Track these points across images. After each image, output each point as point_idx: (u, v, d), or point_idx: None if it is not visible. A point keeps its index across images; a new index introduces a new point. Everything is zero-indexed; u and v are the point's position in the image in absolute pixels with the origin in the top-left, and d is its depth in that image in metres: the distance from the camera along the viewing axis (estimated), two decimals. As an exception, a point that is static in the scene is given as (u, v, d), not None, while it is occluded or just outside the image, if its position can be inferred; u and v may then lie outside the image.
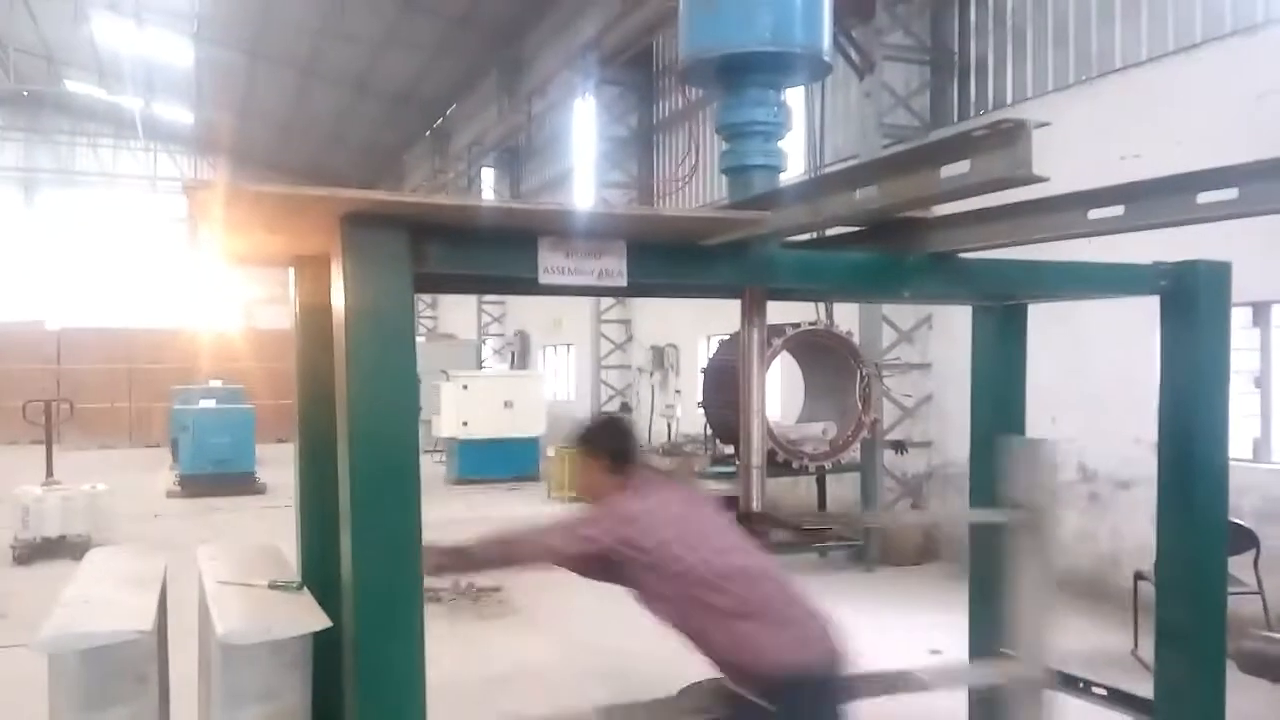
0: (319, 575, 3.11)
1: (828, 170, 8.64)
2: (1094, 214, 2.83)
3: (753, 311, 3.70)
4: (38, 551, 9.52)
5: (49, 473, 10.57)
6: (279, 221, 2.83)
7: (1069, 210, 2.87)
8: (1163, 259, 3.67)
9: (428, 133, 27.11)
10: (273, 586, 2.88)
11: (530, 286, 2.89)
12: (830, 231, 3.67)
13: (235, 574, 3.00)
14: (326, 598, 2.83)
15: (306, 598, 2.85)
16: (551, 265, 2.79)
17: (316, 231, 2.67)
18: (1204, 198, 2.60)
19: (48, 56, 25.11)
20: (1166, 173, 2.67)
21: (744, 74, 3.47)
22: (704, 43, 3.48)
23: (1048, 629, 3.76)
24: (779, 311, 3.96)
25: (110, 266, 31.86)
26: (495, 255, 2.77)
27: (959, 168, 2.09)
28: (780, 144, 3.58)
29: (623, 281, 2.87)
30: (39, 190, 32.00)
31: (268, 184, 2.40)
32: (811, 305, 8.96)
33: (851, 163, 6.04)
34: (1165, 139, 7.30)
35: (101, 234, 32.00)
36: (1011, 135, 1.96)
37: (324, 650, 2.73)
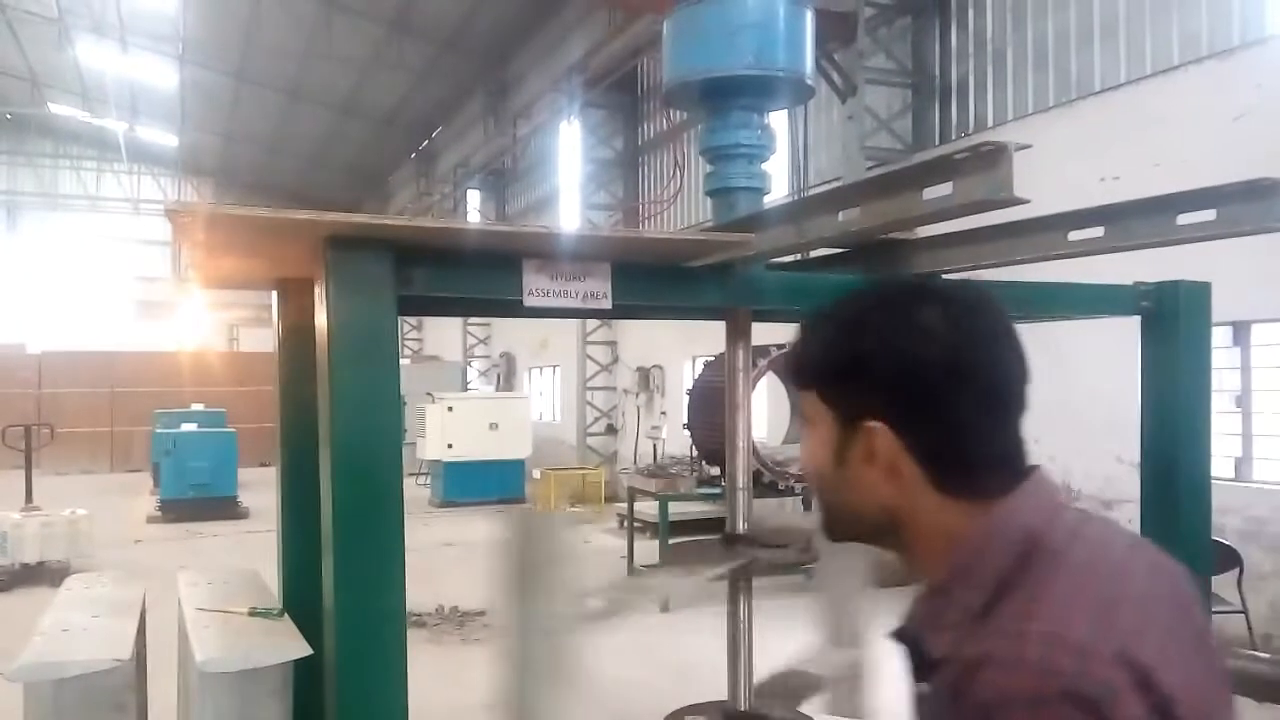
0: (300, 601, 3.07)
1: (811, 192, 8.69)
2: (1074, 235, 2.85)
3: (738, 333, 3.70)
4: (16, 578, 9.40)
5: (28, 498, 10.45)
6: (262, 244, 2.82)
7: (1050, 231, 2.89)
8: (1143, 279, 3.70)
9: (413, 155, 27.16)
10: (253, 613, 2.85)
11: (515, 309, 2.88)
12: (815, 253, 3.69)
13: (215, 600, 2.97)
14: (308, 624, 2.79)
15: (287, 624, 2.81)
16: (536, 288, 2.78)
17: (300, 254, 2.66)
18: (1183, 219, 2.63)
19: (31, 79, 25.04)
20: (1145, 194, 2.70)
21: (727, 97, 3.48)
22: (688, 66, 3.49)
23: None
24: (764, 332, 3.96)
25: (92, 290, 31.70)
26: (480, 278, 2.77)
27: (941, 190, 2.10)
28: (764, 166, 3.60)
29: (608, 304, 2.87)
30: (22, 213, 31.83)
31: (252, 206, 2.40)
32: (796, 326, 8.98)
33: (835, 185, 6.08)
34: (1144, 161, 7.39)
35: (84, 257, 31.84)
36: (992, 158, 1.97)
37: (305, 677, 2.69)
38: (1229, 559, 5.84)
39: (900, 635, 1.19)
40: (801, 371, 1.29)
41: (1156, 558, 1.18)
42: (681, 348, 14.45)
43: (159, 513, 14.22)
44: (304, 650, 2.56)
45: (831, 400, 1.23)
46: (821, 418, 1.25)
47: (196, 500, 14.15)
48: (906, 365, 1.15)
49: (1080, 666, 0.96)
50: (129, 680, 2.54)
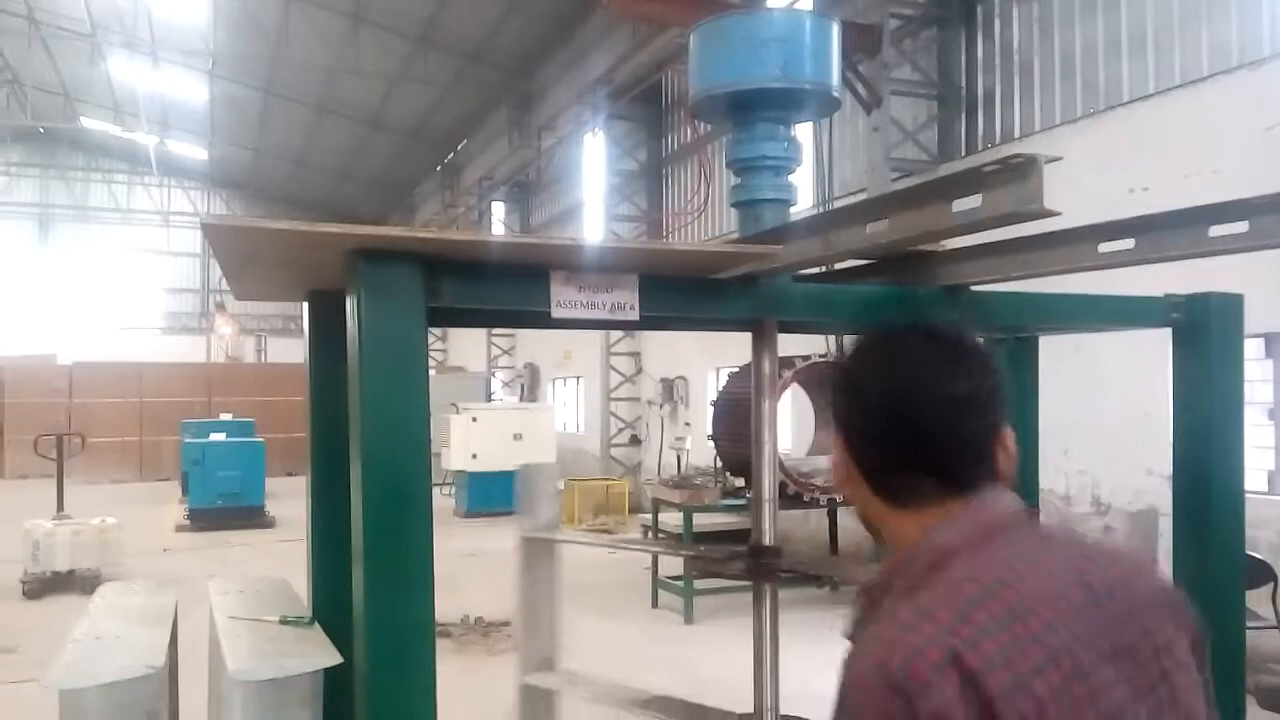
0: (330, 610, 3.09)
1: (837, 204, 8.68)
2: (1104, 247, 2.83)
3: (764, 344, 3.70)
4: (48, 586, 9.53)
5: (59, 507, 10.59)
6: (293, 256, 2.85)
7: (1079, 243, 2.87)
8: (1172, 291, 3.67)
9: (439, 167, 27.37)
10: (284, 622, 2.87)
11: (543, 321, 2.90)
12: (839, 265, 3.68)
13: (246, 609, 3.00)
14: (337, 632, 2.81)
15: (318, 633, 2.83)
16: (564, 299, 2.79)
17: (330, 266, 2.69)
18: (1215, 230, 2.60)
19: (64, 94, 25.49)
20: (1175, 206, 2.68)
21: (754, 109, 3.49)
22: (714, 79, 3.51)
23: None
24: (789, 344, 3.96)
25: (122, 301, 32.13)
26: (508, 289, 2.78)
27: (970, 202, 2.09)
28: (790, 178, 3.61)
29: (635, 315, 2.88)
30: (54, 226, 32.35)
31: (281, 218, 2.43)
32: (821, 338, 8.96)
33: (860, 196, 6.06)
34: (1173, 172, 7.33)
35: (115, 269, 32.29)
36: (1022, 170, 1.96)
37: (334, 685, 2.71)
38: (1262, 573, 5.76)
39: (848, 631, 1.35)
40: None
41: (1097, 577, 1.27)
42: (705, 359, 14.44)
43: (188, 521, 14.36)
44: (335, 659, 2.58)
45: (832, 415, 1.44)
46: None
47: (225, 509, 14.28)
48: (850, 393, 1.40)
49: (906, 665, 1.13)
50: (162, 688, 2.57)
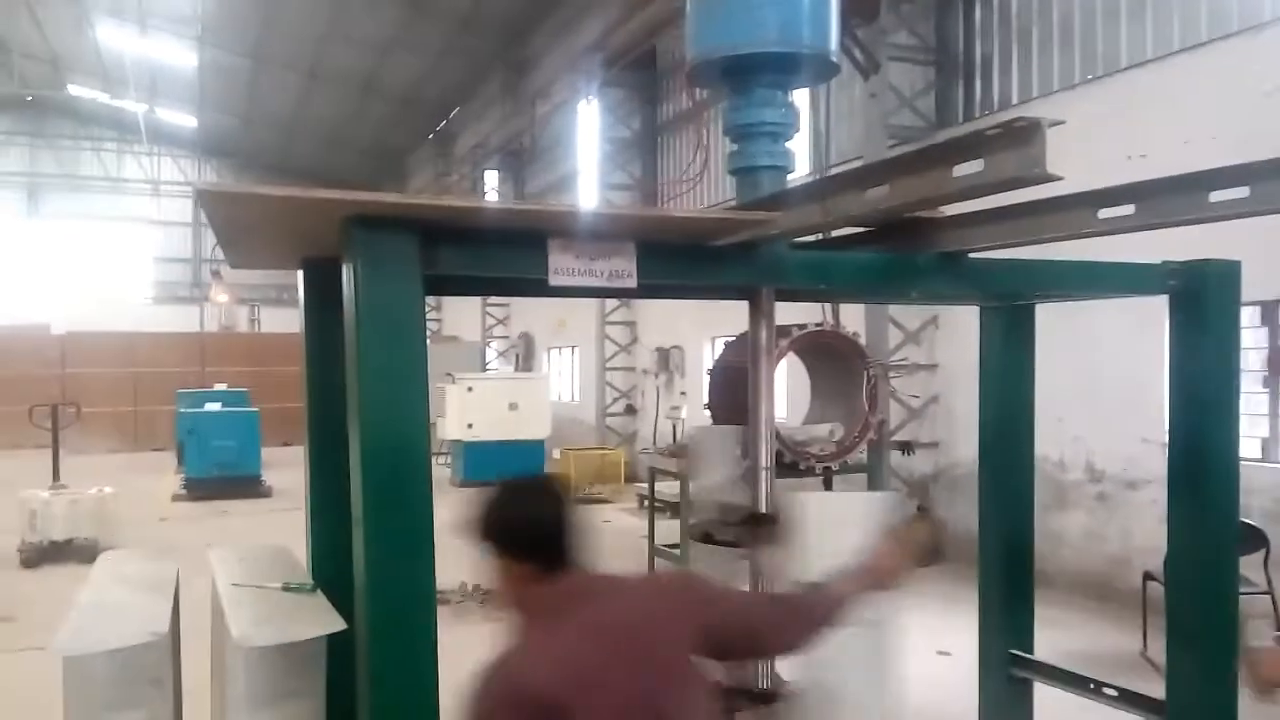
0: (329, 577, 3.11)
1: (833, 171, 8.64)
2: (1104, 213, 2.82)
3: (761, 313, 3.69)
4: (45, 555, 9.55)
5: (55, 476, 10.59)
6: (287, 224, 2.84)
7: (1079, 209, 2.86)
8: (1168, 258, 3.67)
9: (431, 135, 27.16)
10: (286, 589, 2.89)
11: (540, 288, 2.89)
12: (836, 233, 3.67)
13: (248, 576, 3.01)
14: (338, 599, 2.83)
15: (320, 599, 2.85)
16: (561, 267, 2.78)
17: (325, 234, 2.67)
18: (1216, 196, 2.60)
19: (52, 61, 25.16)
20: (1173, 171, 2.67)
21: (751, 75, 3.46)
22: (710, 44, 3.47)
23: None
24: (783, 313, 3.95)
25: (114, 270, 31.96)
26: (505, 257, 2.77)
27: (972, 167, 2.08)
28: (788, 145, 3.58)
29: (633, 283, 2.87)
30: (43, 195, 32.08)
31: (274, 186, 2.41)
32: (817, 306, 8.95)
33: (857, 164, 6.03)
34: (1172, 138, 7.30)
35: (105, 238, 32.08)
36: (1025, 134, 1.95)
37: (336, 652, 2.73)
38: (1255, 540, 5.81)
39: None
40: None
41: (622, 608, 2.13)
42: (701, 328, 14.43)
43: (184, 491, 14.39)
44: (338, 624, 2.60)
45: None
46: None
47: (221, 479, 14.30)
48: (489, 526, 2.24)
49: (491, 692, 2.00)
50: (166, 655, 2.58)
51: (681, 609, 2.20)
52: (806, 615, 2.42)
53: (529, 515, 2.19)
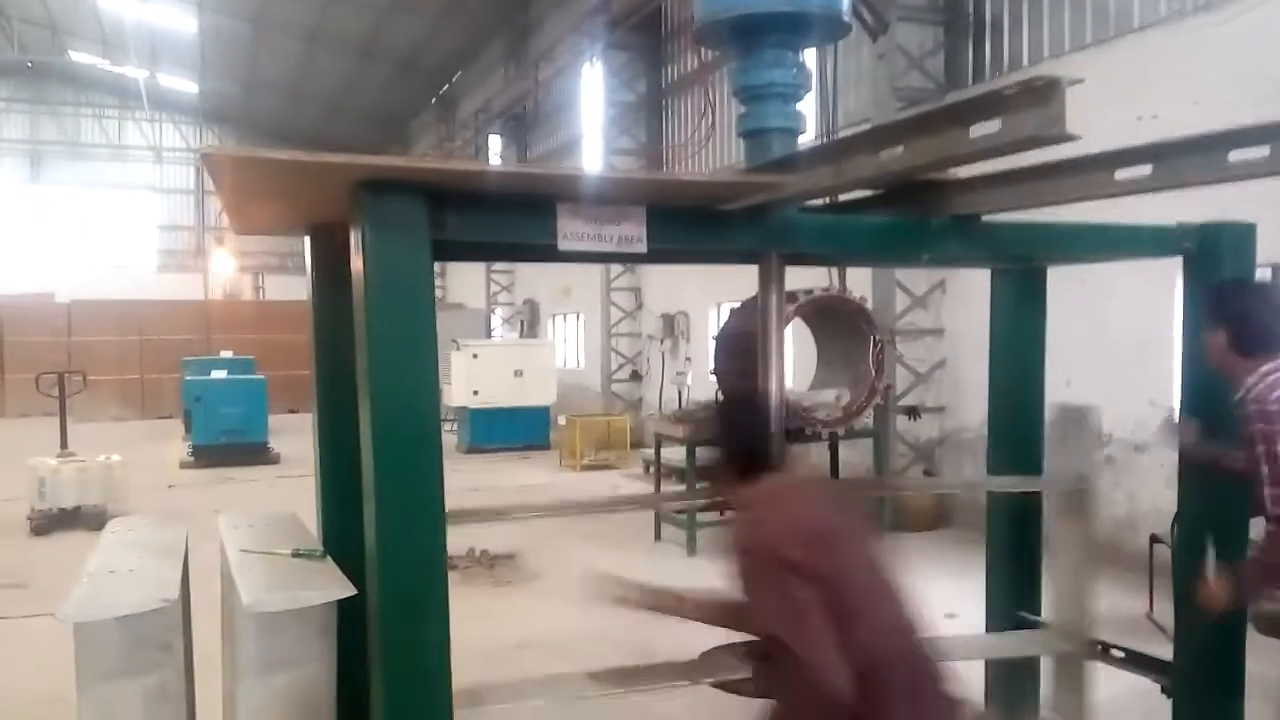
0: (339, 544, 3.11)
1: (842, 134, 8.54)
2: (1121, 174, 2.78)
3: (771, 277, 3.66)
4: (54, 522, 9.60)
5: (63, 444, 10.62)
6: (294, 189, 2.81)
7: (1096, 171, 2.82)
8: (1168, 219, 3.62)
9: (434, 100, 26.93)
10: (296, 555, 2.89)
11: (548, 254, 2.86)
12: (846, 197, 3.63)
13: (258, 543, 3.01)
14: (347, 565, 2.83)
15: (330, 566, 2.85)
16: (570, 231, 2.76)
17: (332, 199, 2.64)
18: (1235, 156, 2.56)
19: (51, 27, 24.95)
20: (1184, 133, 2.62)
21: (761, 35, 3.41)
22: (720, 3, 3.42)
23: (1089, 599, 3.74)
24: (791, 277, 3.93)
25: (117, 238, 31.89)
26: (513, 222, 2.75)
27: (989, 126, 2.04)
28: (798, 106, 3.53)
29: (643, 248, 2.84)
30: (45, 162, 31.93)
31: (279, 150, 2.38)
32: (823, 271, 8.90)
33: (865, 126, 5.96)
34: (1183, 99, 7.20)
35: (108, 205, 31.98)
36: (1044, 93, 1.92)
37: (346, 617, 2.73)
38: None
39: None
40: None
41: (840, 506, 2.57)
42: (706, 294, 14.37)
43: (191, 458, 14.43)
44: (348, 590, 2.60)
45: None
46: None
47: (228, 446, 14.33)
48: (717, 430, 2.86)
49: (760, 534, 2.35)
50: (176, 620, 2.59)
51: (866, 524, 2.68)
52: None
53: (745, 422, 2.64)
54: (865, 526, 2.57)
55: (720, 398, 2.81)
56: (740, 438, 2.59)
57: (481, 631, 6.26)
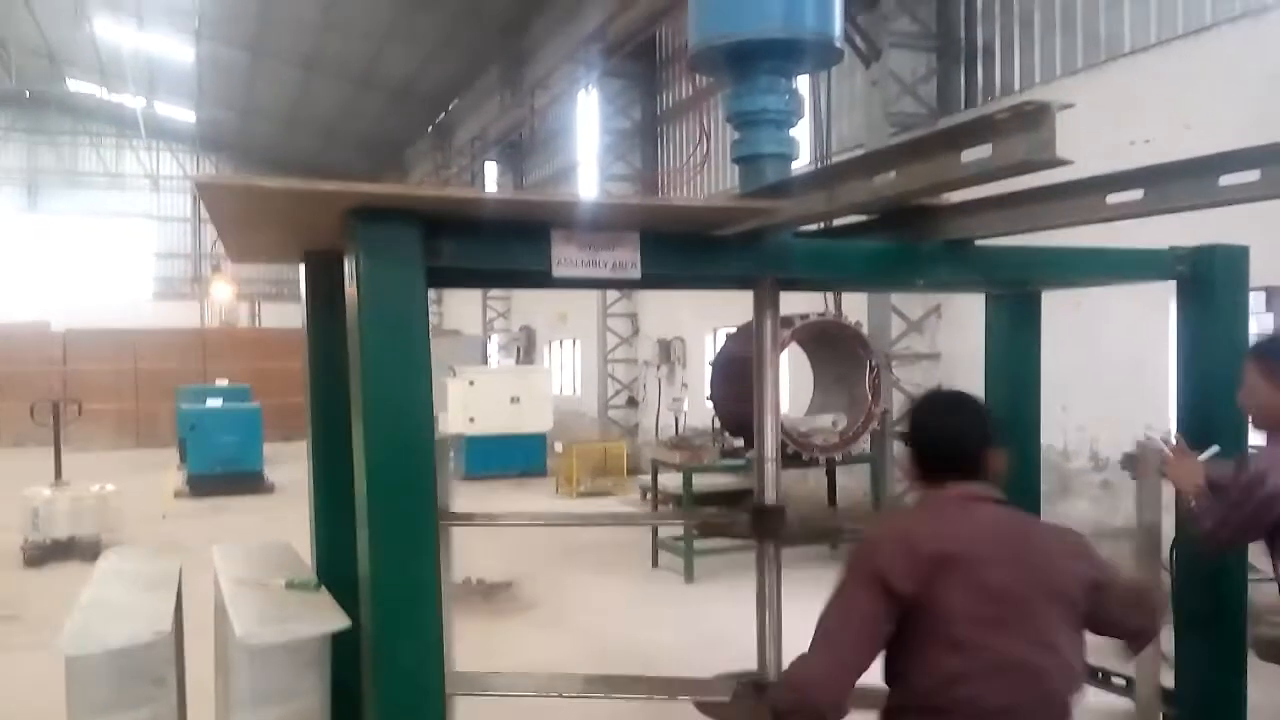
0: (334, 573, 3.09)
1: (836, 159, 8.59)
2: (1113, 198, 2.79)
3: (766, 302, 3.67)
4: (48, 553, 9.53)
5: (57, 474, 10.56)
6: (290, 216, 2.81)
7: (1087, 195, 2.83)
8: (1158, 244, 3.63)
9: (430, 128, 27.08)
10: (290, 586, 2.86)
11: (544, 280, 2.86)
12: (840, 222, 3.64)
13: (251, 573, 2.99)
14: (341, 595, 2.81)
15: (324, 596, 2.83)
16: (565, 258, 2.76)
17: (327, 226, 2.64)
18: (1226, 180, 2.57)
19: (49, 56, 25.07)
20: (1177, 157, 2.63)
21: (755, 61, 3.43)
22: (714, 30, 3.44)
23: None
24: (786, 302, 3.93)
25: (114, 266, 31.92)
26: (508, 249, 2.75)
27: (980, 152, 2.05)
28: (792, 132, 3.55)
29: (637, 274, 2.84)
30: (42, 191, 32.02)
31: (274, 179, 2.38)
32: (819, 295, 8.92)
33: (858, 152, 5.98)
34: (1176, 123, 7.25)
35: (105, 234, 32.03)
36: (1034, 118, 1.92)
37: (341, 648, 2.71)
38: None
39: None
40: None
41: (1010, 524, 2.33)
42: (702, 319, 14.39)
43: (186, 488, 14.36)
44: (343, 622, 2.58)
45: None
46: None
47: (223, 475, 14.27)
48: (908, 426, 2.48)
49: (879, 541, 2.29)
50: (169, 654, 2.56)
51: (1079, 555, 2.31)
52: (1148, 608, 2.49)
53: (936, 427, 2.41)
54: (1026, 558, 2.23)
55: (918, 398, 2.67)
56: (927, 439, 2.39)
57: (478, 662, 6.20)
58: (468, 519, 3.46)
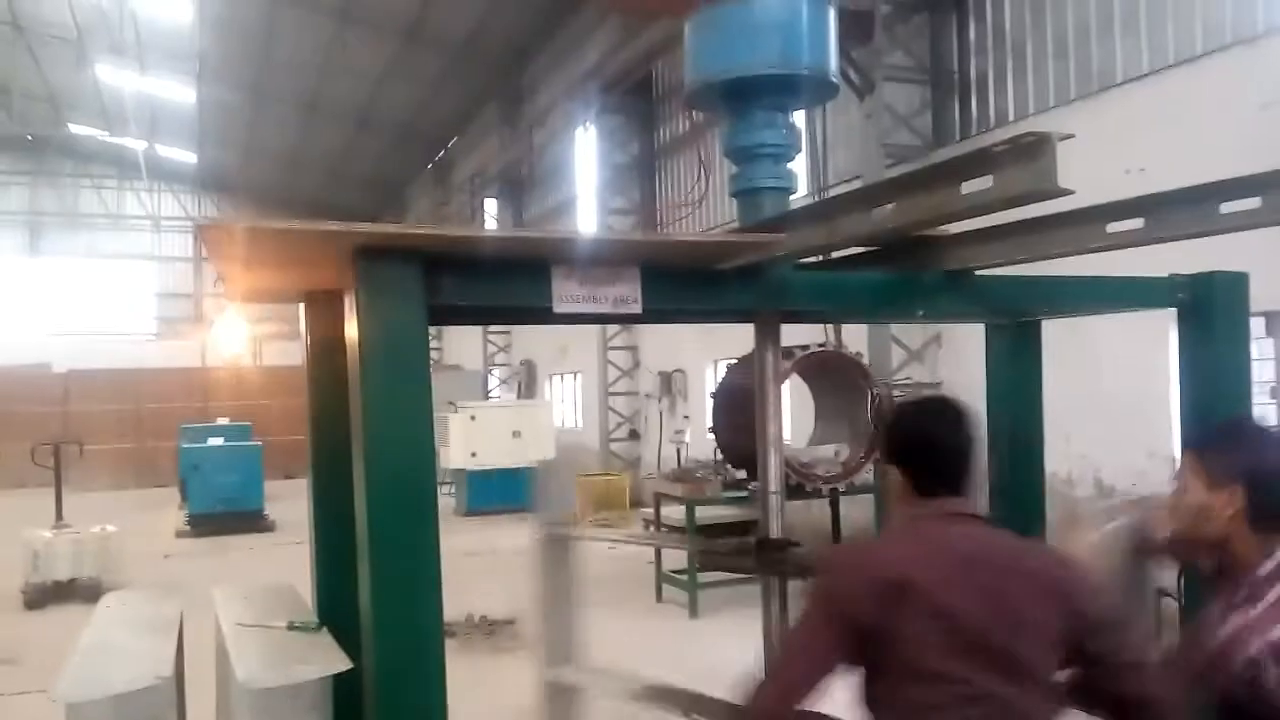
0: (335, 614, 3.06)
1: (832, 192, 8.65)
2: (1113, 227, 2.80)
3: (767, 335, 3.66)
4: (49, 595, 9.47)
5: (58, 515, 10.52)
6: (290, 257, 2.81)
7: (1087, 224, 2.84)
8: (1158, 272, 3.64)
9: (430, 165, 27.27)
10: (291, 628, 2.84)
11: (545, 316, 2.86)
12: (840, 253, 3.65)
13: (253, 616, 2.96)
14: (344, 635, 2.78)
15: (326, 638, 2.80)
16: (566, 294, 2.76)
17: (328, 266, 2.65)
18: (1227, 208, 2.57)
19: (52, 100, 25.32)
20: (1171, 186, 2.64)
21: (751, 97, 3.45)
22: (710, 68, 3.47)
23: None
24: (787, 334, 3.93)
25: (116, 308, 32.00)
26: (509, 286, 2.75)
27: (980, 183, 2.06)
28: (789, 166, 3.57)
29: (638, 309, 2.84)
30: (44, 233, 32.16)
31: (275, 220, 2.39)
32: (819, 327, 8.93)
33: (855, 184, 6.02)
34: (1170, 152, 7.30)
35: (107, 275, 32.14)
36: (1034, 149, 1.93)
37: (342, 689, 2.68)
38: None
39: None
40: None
41: (986, 546, 2.16)
42: (703, 351, 14.40)
43: (188, 527, 14.31)
44: (344, 664, 2.55)
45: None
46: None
47: (225, 514, 14.23)
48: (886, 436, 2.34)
49: (837, 563, 2.26)
50: (170, 698, 2.54)
51: (1063, 581, 2.14)
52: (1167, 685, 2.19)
53: (921, 432, 2.24)
54: (995, 582, 2.06)
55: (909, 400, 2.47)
56: (906, 450, 2.23)
57: (480, 700, 6.14)
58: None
